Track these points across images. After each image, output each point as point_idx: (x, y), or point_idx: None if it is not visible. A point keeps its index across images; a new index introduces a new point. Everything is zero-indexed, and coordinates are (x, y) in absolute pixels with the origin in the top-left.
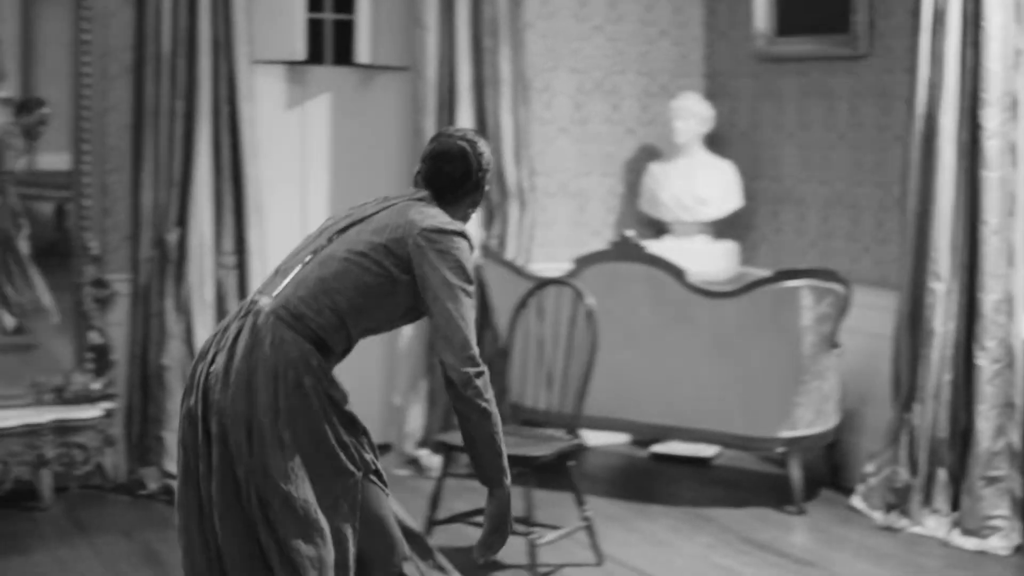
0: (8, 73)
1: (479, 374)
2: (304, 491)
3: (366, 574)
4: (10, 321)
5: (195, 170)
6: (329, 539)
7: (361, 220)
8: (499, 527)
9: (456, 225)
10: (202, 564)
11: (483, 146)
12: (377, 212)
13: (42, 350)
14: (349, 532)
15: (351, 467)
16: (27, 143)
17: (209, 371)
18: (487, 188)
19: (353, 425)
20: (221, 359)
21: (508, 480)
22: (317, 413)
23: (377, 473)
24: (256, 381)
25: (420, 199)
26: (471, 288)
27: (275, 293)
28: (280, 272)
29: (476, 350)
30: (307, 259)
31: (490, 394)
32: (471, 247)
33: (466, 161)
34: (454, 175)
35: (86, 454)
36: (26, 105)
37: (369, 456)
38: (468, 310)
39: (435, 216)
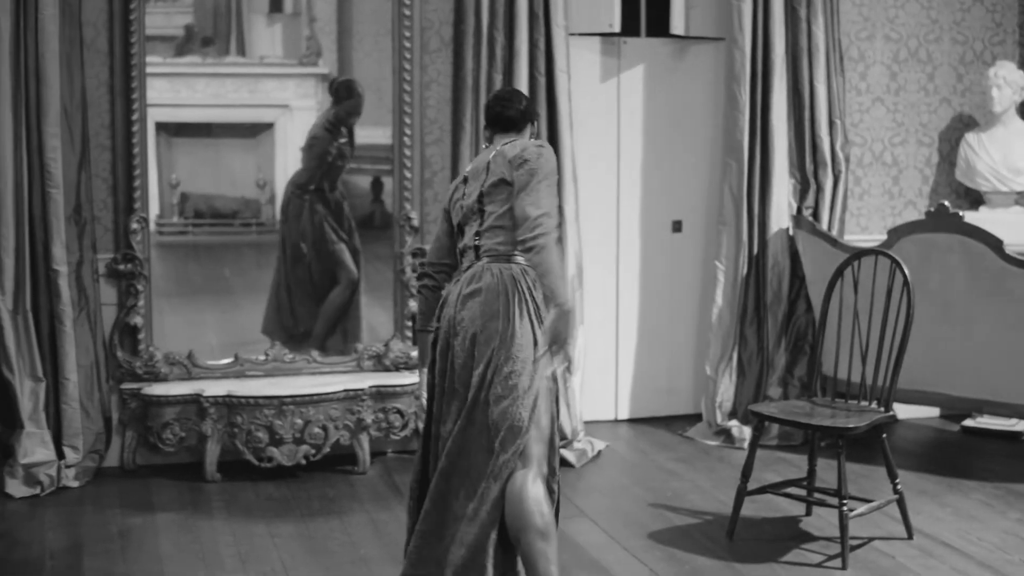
0: (324, 50)
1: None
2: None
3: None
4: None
5: None
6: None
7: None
8: (556, 336)
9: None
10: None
11: None
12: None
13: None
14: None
15: None
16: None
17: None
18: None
19: None
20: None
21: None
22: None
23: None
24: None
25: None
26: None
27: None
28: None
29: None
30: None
31: (549, 240)
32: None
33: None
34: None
35: (403, 419)
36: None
37: None
38: (544, 197)
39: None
